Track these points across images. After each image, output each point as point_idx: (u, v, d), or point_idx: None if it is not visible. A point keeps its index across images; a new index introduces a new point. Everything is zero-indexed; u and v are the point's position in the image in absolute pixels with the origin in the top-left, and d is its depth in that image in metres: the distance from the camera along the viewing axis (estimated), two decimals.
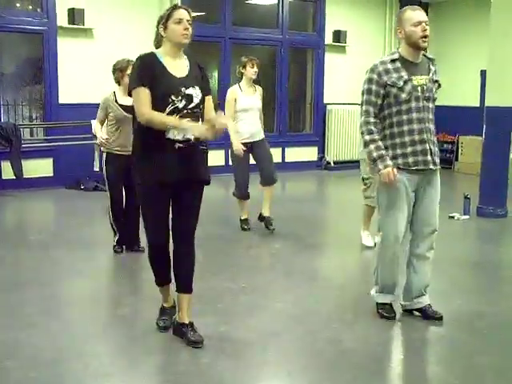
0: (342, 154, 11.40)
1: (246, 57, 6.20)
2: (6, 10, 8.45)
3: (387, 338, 3.84)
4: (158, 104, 3.33)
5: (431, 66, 3.86)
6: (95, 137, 5.58)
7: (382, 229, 3.92)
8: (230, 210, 7.13)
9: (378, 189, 3.97)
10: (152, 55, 3.44)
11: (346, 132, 11.30)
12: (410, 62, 3.78)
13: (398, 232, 3.84)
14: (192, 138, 3.37)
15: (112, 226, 5.48)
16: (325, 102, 11.34)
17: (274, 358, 3.46)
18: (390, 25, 11.53)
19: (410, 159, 3.76)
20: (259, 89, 6.35)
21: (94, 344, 3.62)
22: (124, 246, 5.49)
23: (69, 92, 8.81)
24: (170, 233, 3.55)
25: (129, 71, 4.77)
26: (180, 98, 3.35)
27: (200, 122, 3.46)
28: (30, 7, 9.27)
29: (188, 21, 3.40)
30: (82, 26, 8.74)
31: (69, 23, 8.70)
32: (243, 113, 6.13)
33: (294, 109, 11.69)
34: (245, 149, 5.97)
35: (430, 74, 3.82)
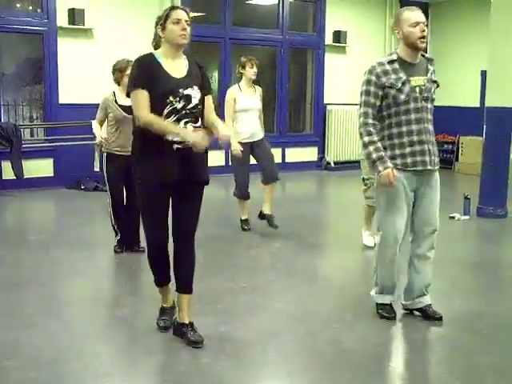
0: (342, 154, 11.41)
1: (245, 57, 6.20)
2: (6, 11, 8.46)
3: (387, 338, 3.84)
4: (156, 105, 3.33)
5: (429, 66, 3.85)
6: (95, 137, 5.57)
7: (382, 229, 3.93)
8: (230, 210, 7.13)
9: (376, 189, 3.97)
10: (150, 56, 3.43)
11: (346, 132, 11.30)
12: (408, 62, 3.77)
13: (397, 232, 3.84)
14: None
15: (113, 227, 5.48)
16: (325, 102, 11.35)
17: (274, 358, 3.46)
18: (390, 25, 11.53)
19: (409, 160, 3.76)
20: (259, 89, 6.34)
21: (94, 344, 3.62)
22: (124, 247, 5.49)
23: (69, 92, 8.81)
24: (170, 233, 3.56)
25: (128, 71, 4.75)
26: (178, 98, 3.35)
27: (200, 122, 3.46)
28: (30, 7, 9.28)
29: (186, 21, 3.39)
30: (82, 27, 8.74)
31: (69, 23, 8.71)
32: (243, 113, 6.13)
33: (294, 109, 11.70)
34: (242, 149, 5.96)
35: (429, 75, 3.82)
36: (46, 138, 9.12)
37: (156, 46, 3.50)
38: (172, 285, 3.71)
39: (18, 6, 9.35)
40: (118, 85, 5.28)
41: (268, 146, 6.32)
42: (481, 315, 4.14)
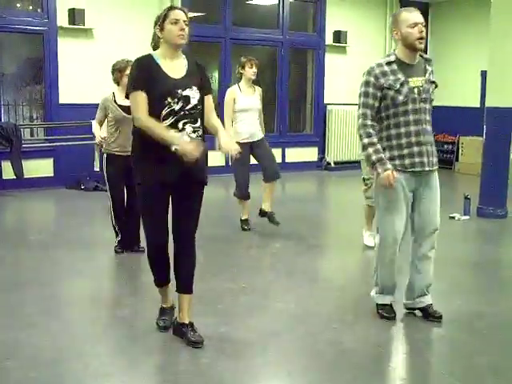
0: (342, 154, 11.41)
1: (245, 57, 6.20)
2: (6, 11, 8.47)
3: (387, 338, 3.84)
4: (155, 106, 3.33)
5: (428, 67, 3.85)
6: (95, 137, 5.57)
7: (381, 230, 3.93)
8: (230, 210, 7.13)
9: (375, 190, 3.97)
10: (149, 57, 3.43)
11: (347, 132, 11.29)
12: (406, 63, 3.77)
13: (397, 233, 3.84)
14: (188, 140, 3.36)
15: (114, 228, 5.47)
16: (325, 102, 11.35)
17: (274, 359, 3.46)
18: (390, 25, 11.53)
19: (407, 161, 3.76)
20: (258, 89, 6.34)
21: (94, 344, 3.62)
22: (124, 247, 5.48)
23: (69, 92, 8.82)
24: (170, 233, 3.56)
25: (127, 72, 4.75)
26: (176, 100, 3.34)
27: (199, 123, 3.46)
28: (31, 7, 9.28)
29: (184, 21, 3.38)
30: (82, 27, 8.75)
31: (69, 23, 8.71)
32: (242, 113, 6.13)
33: (295, 109, 11.70)
34: (240, 150, 5.93)
35: (427, 75, 3.81)
36: (46, 137, 9.13)
37: (155, 47, 3.49)
38: (172, 285, 3.71)
39: (18, 5, 9.36)
40: (118, 85, 5.28)
41: (268, 146, 6.31)
42: (481, 315, 4.14)
